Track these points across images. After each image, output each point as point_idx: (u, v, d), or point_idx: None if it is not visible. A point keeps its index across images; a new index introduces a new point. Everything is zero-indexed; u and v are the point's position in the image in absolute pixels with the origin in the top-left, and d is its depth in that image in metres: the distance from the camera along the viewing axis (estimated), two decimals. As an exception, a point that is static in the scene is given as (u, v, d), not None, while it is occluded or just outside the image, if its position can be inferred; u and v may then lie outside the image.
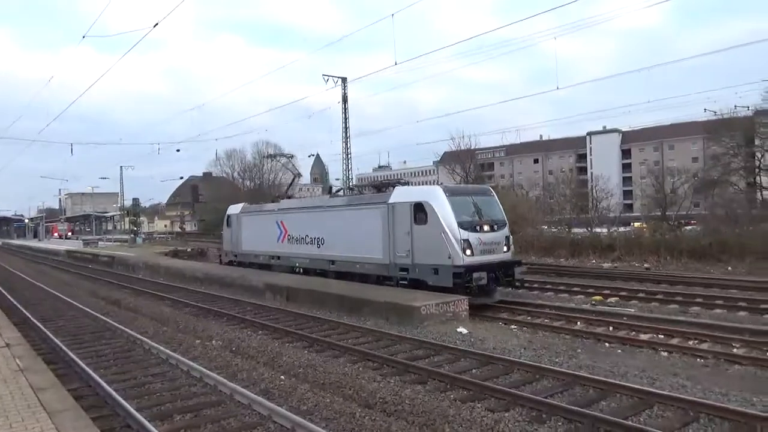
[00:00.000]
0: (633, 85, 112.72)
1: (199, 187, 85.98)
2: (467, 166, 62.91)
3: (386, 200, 16.87)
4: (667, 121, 79.94)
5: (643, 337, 11.74)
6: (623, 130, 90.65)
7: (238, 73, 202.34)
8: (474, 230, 15.18)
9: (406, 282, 15.99)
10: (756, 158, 41.25)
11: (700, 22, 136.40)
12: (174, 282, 24.16)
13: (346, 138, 49.30)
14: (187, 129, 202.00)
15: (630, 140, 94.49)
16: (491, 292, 15.24)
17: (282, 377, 9.52)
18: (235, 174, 78.68)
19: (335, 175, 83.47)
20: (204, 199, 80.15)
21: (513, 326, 13.57)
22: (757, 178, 40.61)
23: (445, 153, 73.46)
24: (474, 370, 9.45)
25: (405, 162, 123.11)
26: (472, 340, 11.68)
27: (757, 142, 40.71)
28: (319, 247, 19.89)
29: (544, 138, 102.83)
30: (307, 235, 20.44)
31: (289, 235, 21.55)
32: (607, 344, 11.63)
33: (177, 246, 47.10)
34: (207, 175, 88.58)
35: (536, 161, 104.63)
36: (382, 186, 19.07)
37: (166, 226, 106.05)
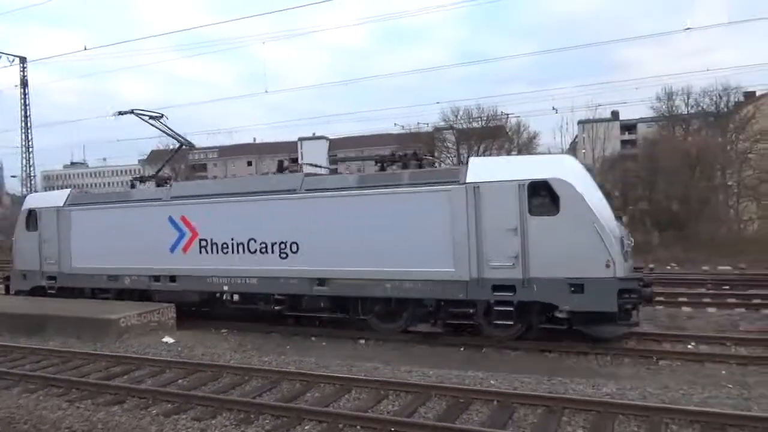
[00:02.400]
0: (339, 95, 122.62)
1: None
2: (177, 166, 59.71)
3: (459, 179, 10.73)
4: (368, 132, 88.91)
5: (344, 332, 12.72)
6: (330, 137, 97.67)
7: None
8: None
9: (508, 309, 10.31)
10: (436, 167, 48.99)
11: (398, 45, 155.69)
12: None
13: (26, 128, 42.13)
14: None
15: (336, 147, 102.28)
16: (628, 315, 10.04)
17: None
18: None
19: (12, 171, 70.48)
20: None
21: (224, 330, 13.32)
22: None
23: (152, 151, 68.53)
24: (180, 381, 8.93)
25: (105, 159, 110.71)
26: (179, 349, 11.08)
27: (436, 153, 48.34)
28: (285, 257, 12.20)
29: (258, 141, 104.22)
30: (252, 239, 12.63)
31: (202, 239, 13.17)
32: (313, 338, 12.28)
33: None
34: None
35: (250, 163, 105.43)
36: (398, 161, 12.45)
37: None
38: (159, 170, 16.37)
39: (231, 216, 12.77)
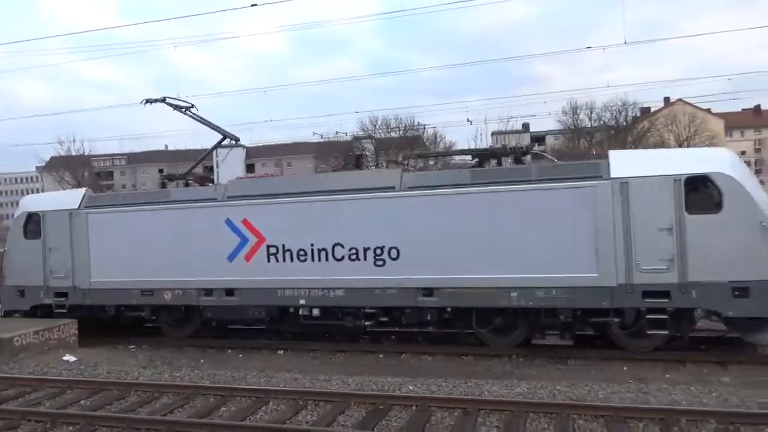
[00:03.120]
0: (256, 103, 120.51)
1: None
2: (80, 174, 56.37)
3: (601, 174, 9.63)
4: (285, 140, 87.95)
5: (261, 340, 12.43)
6: (247, 145, 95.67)
7: None
8: None
9: (662, 317, 9.33)
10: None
11: (316, 54, 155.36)
12: None
13: None
14: None
15: (253, 155, 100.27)
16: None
17: None
18: None
19: None
20: None
21: (132, 346, 12.62)
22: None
23: (52, 158, 64.21)
24: (83, 402, 8.35)
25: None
26: (82, 367, 10.37)
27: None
28: (381, 265, 10.57)
29: (170, 148, 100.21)
30: (339, 244, 10.80)
31: (270, 245, 11.23)
32: (229, 351, 11.90)
33: None
34: None
35: (161, 171, 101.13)
36: (501, 155, 11.16)
37: None
38: (192, 168, 14.20)
39: (310, 218, 10.97)
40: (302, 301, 11.09)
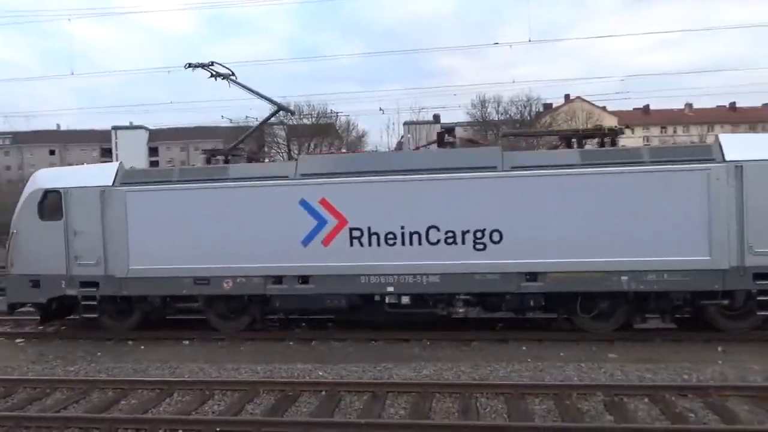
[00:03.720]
0: (161, 83, 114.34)
1: None
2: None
3: (715, 157, 9.59)
4: (192, 123, 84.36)
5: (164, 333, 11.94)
6: (150, 127, 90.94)
7: None
8: None
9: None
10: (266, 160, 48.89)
11: (227, 34, 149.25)
12: None
13: None
14: None
15: (157, 138, 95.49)
16: None
17: None
18: None
19: None
20: None
21: (20, 340, 11.71)
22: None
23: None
24: (-39, 401, 7.69)
25: None
26: (-41, 364, 9.51)
27: (266, 148, 47.70)
28: (481, 249, 10.09)
29: (62, 128, 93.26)
30: (434, 227, 10.15)
31: (352, 228, 10.40)
32: (130, 342, 11.34)
33: None
34: None
35: (53, 152, 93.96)
36: (593, 136, 11.18)
37: None
38: (240, 141, 13.01)
39: (400, 198, 10.24)
40: (390, 288, 10.36)
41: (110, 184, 11.16)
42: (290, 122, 45.62)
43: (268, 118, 12.95)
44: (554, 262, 9.82)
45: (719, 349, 9.47)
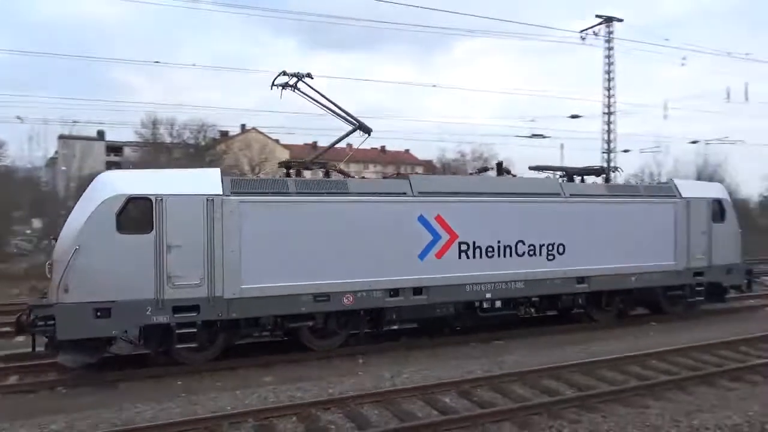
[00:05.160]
0: None
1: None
2: None
3: (676, 195, 14.14)
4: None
5: None
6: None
7: None
8: None
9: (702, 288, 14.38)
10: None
11: None
12: None
13: None
14: None
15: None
16: None
17: None
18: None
19: None
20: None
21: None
22: None
23: None
24: None
25: None
26: None
27: None
28: (551, 260, 12.37)
29: None
30: (520, 241, 12.07)
31: (462, 242, 11.46)
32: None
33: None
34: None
35: None
36: (583, 173, 14.34)
37: None
38: (316, 156, 12.84)
39: (496, 217, 11.94)
40: (488, 295, 11.83)
41: (219, 192, 9.75)
42: None
43: (345, 136, 12.12)
44: (595, 268, 12.82)
45: (360, 361, 10.58)
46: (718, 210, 14.51)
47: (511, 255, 12.10)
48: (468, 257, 11.67)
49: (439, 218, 11.41)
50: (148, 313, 9.26)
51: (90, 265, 8.99)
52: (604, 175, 15.22)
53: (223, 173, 10.35)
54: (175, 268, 9.41)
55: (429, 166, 65.41)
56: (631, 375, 9.30)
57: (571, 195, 12.92)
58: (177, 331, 9.46)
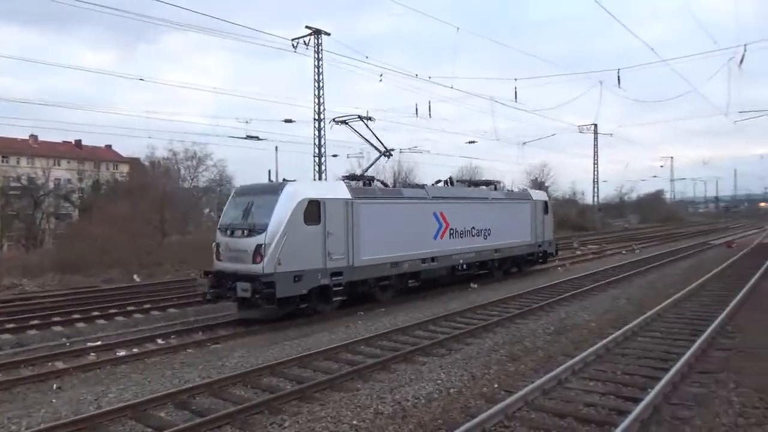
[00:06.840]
0: None
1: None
2: None
3: (530, 198, 23.34)
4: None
5: None
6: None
7: None
8: None
9: (542, 255, 23.98)
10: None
11: None
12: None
13: None
14: None
15: None
16: None
17: None
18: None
19: None
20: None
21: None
22: None
23: None
24: None
25: None
26: None
27: None
28: (485, 239, 19.97)
29: None
30: (473, 227, 19.42)
31: (451, 228, 18.36)
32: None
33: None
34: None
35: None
36: (486, 184, 22.90)
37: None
38: (365, 171, 18.01)
39: (466, 212, 19.13)
40: (461, 261, 18.99)
41: (350, 197, 14.81)
42: None
43: (375, 161, 18.88)
44: (503, 243, 20.86)
45: (54, 386, 9.14)
46: (543, 206, 23.57)
47: (471, 236, 19.14)
48: (453, 238, 18.33)
49: (441, 214, 17.88)
50: (319, 277, 13.87)
51: (292, 245, 13.18)
52: (493, 185, 22.62)
53: (348, 184, 15.46)
54: (331, 247, 14.11)
55: (136, 165, 59.88)
56: (343, 362, 9.97)
57: (493, 199, 20.88)
58: (334, 289, 14.25)
